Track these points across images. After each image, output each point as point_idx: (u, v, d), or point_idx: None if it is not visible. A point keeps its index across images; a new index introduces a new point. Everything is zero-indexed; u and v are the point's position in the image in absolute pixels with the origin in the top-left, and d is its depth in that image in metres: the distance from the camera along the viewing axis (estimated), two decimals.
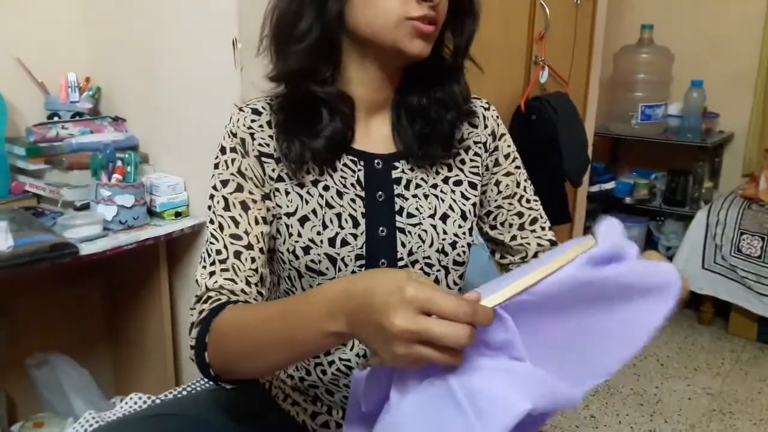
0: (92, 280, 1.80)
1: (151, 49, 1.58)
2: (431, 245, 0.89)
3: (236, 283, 0.82)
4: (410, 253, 0.88)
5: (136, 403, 1.23)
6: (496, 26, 1.97)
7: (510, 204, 0.99)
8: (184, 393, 1.17)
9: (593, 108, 2.63)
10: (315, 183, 0.87)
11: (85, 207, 1.47)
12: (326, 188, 0.87)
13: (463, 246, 0.91)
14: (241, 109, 0.89)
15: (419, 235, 0.89)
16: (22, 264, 1.20)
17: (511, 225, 0.99)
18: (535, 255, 0.99)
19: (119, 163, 1.46)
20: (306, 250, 0.85)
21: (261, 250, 0.85)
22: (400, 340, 0.54)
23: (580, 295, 0.61)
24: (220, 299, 0.78)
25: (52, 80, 1.67)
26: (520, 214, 0.99)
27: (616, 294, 0.62)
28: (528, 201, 1.00)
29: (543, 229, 1.01)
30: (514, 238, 1.00)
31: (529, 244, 1.00)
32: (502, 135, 0.99)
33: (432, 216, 0.90)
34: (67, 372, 1.58)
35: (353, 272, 0.86)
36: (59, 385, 1.55)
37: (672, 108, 3.18)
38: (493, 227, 1.00)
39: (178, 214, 1.53)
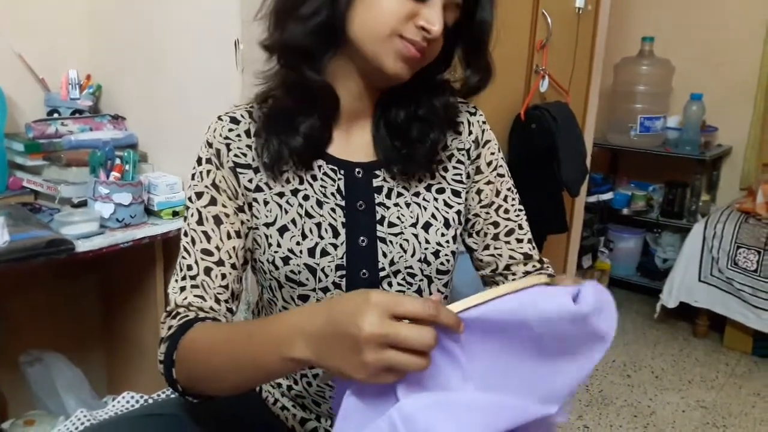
0: (87, 278, 1.80)
1: (153, 48, 1.58)
2: (413, 255, 0.87)
3: (205, 300, 0.82)
4: (392, 263, 0.87)
5: (128, 402, 1.22)
6: (497, 34, 1.97)
7: (487, 213, 0.95)
8: None
9: (592, 118, 2.64)
10: (294, 192, 0.86)
11: (83, 204, 1.47)
12: (306, 197, 0.86)
13: (446, 255, 0.89)
14: (219, 118, 0.88)
15: (401, 245, 0.87)
16: (18, 259, 1.20)
17: (485, 234, 0.96)
18: (507, 267, 0.96)
19: (118, 161, 1.45)
20: (285, 260, 0.84)
21: (233, 266, 0.85)
22: (370, 344, 0.56)
23: (528, 326, 0.62)
24: (188, 316, 0.79)
25: (53, 77, 1.67)
26: (495, 224, 0.95)
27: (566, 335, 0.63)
28: (506, 211, 0.96)
29: (519, 241, 0.96)
30: (487, 247, 0.96)
31: (501, 255, 0.95)
32: (487, 142, 0.96)
33: (414, 225, 0.88)
34: (60, 370, 1.57)
35: (334, 283, 0.85)
36: (52, 383, 1.55)
37: (671, 120, 3.19)
38: (469, 235, 0.97)
39: (175, 214, 1.53)
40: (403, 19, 0.77)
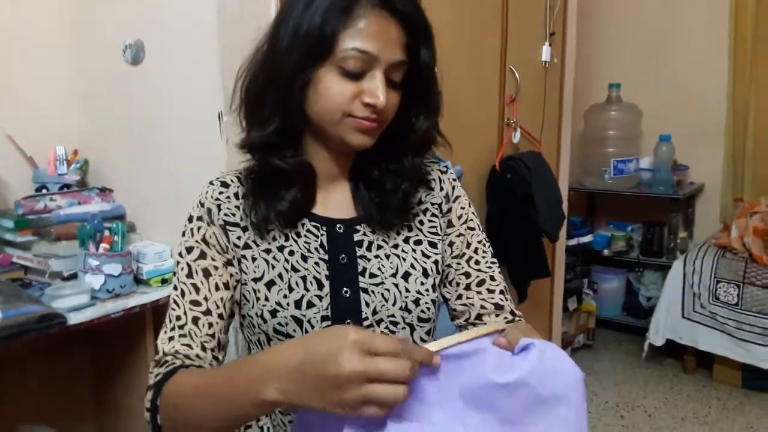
0: (79, 349, 1.80)
1: (138, 121, 1.64)
2: (394, 303, 0.92)
3: (192, 348, 0.86)
4: (374, 312, 0.91)
5: None
6: (469, 92, 2.07)
7: (458, 264, 1.00)
8: None
9: (566, 164, 2.73)
10: (281, 249, 0.91)
11: (73, 277, 1.49)
12: (291, 253, 0.91)
13: (426, 302, 0.94)
14: (211, 183, 0.95)
15: (382, 294, 0.92)
16: (11, 336, 1.22)
17: (458, 284, 1.00)
18: (479, 317, 1.00)
19: (106, 232, 1.49)
20: (273, 313, 0.89)
21: (220, 316, 0.89)
22: (352, 383, 0.60)
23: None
24: (174, 363, 0.83)
25: (41, 153, 1.72)
26: (467, 275, 1.00)
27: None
28: (477, 262, 1.00)
29: (491, 291, 1.00)
30: (459, 297, 1.00)
31: (473, 304, 0.99)
32: (457, 197, 1.02)
33: (394, 275, 0.93)
34: None
35: None
36: None
37: (643, 162, 3.30)
38: (443, 285, 1.02)
39: (164, 281, 1.56)
40: (349, 101, 0.84)
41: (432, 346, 0.67)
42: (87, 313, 1.37)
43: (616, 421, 2.55)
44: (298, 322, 0.88)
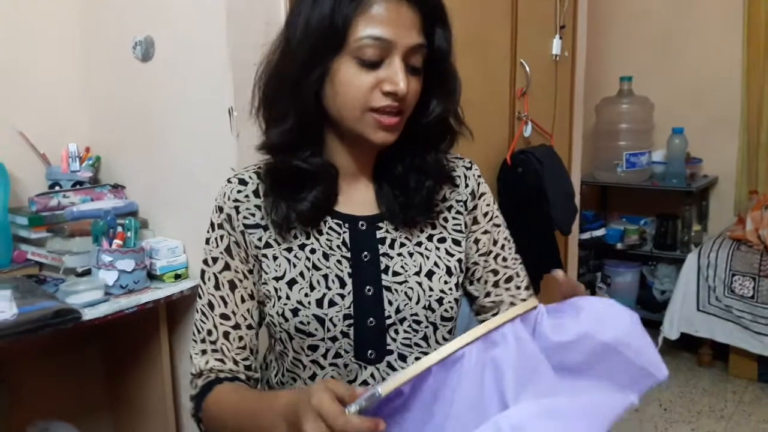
0: (93, 345, 1.81)
1: (149, 118, 1.64)
2: (418, 302, 0.90)
3: (225, 363, 0.92)
4: (397, 310, 0.90)
5: None
6: (479, 86, 2.06)
7: (486, 261, 1.00)
8: None
9: (578, 158, 2.71)
10: (302, 247, 0.91)
11: (87, 273, 1.50)
12: (313, 251, 0.90)
13: (450, 302, 0.92)
14: (229, 181, 0.94)
15: (406, 293, 0.90)
16: (27, 331, 1.22)
17: (486, 282, 1.00)
18: None
19: (120, 228, 1.50)
20: (295, 312, 0.88)
21: (249, 326, 0.93)
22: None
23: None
24: (210, 377, 0.91)
25: (54, 151, 1.72)
26: (495, 272, 1.00)
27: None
28: (504, 259, 1.01)
29: (518, 288, 1.01)
30: (488, 294, 1.01)
31: (502, 301, 1.00)
32: (482, 194, 1.01)
33: (417, 273, 0.92)
34: None
35: (342, 332, 0.88)
36: None
37: (656, 155, 3.26)
38: (470, 283, 1.02)
39: (177, 277, 1.57)
40: (369, 91, 0.82)
41: (480, 328, 0.67)
42: (101, 309, 1.37)
43: (631, 415, 2.53)
44: (320, 320, 0.88)
